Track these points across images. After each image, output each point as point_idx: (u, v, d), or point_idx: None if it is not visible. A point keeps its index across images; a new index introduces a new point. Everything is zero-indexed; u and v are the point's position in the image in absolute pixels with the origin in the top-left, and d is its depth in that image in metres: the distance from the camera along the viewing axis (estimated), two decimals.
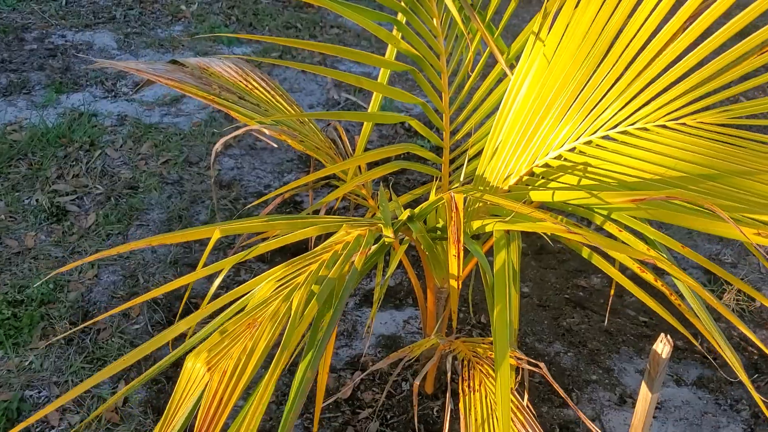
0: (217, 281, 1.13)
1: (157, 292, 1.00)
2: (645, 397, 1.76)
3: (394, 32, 1.46)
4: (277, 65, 4.13)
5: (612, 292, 2.05)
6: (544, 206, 1.54)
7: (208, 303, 1.00)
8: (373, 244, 1.25)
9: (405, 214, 1.13)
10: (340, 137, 1.75)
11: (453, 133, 1.65)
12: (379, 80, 1.49)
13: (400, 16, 1.46)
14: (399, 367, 1.50)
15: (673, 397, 2.21)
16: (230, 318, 0.96)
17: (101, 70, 3.89)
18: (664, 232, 1.74)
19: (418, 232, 1.10)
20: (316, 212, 1.91)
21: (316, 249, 1.05)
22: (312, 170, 1.74)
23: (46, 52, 4.09)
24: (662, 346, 1.70)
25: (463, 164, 1.64)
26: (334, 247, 1.04)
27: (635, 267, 1.29)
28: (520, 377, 1.70)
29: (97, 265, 2.58)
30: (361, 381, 2.23)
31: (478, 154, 1.60)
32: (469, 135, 1.82)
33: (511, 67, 1.50)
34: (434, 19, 1.48)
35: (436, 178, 1.58)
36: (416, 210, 1.17)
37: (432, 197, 1.30)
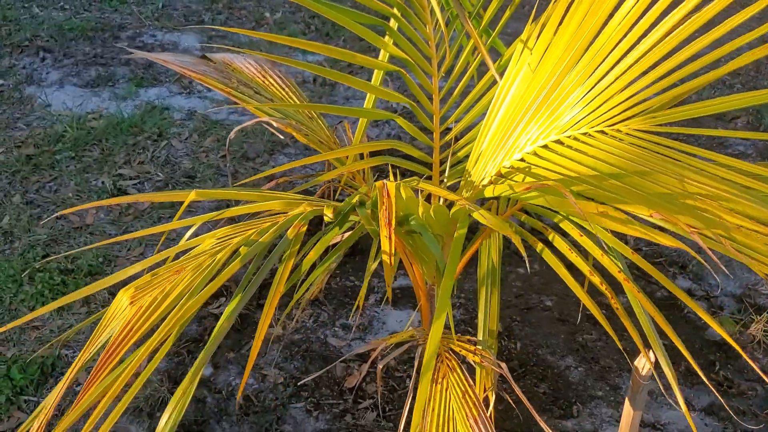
0: (189, 233, 1.27)
1: (141, 233, 1.13)
2: (628, 412, 1.77)
3: (386, 39, 1.56)
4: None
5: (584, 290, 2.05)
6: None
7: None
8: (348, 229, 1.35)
9: (355, 197, 1.22)
10: (346, 134, 1.86)
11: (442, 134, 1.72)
12: (372, 82, 1.59)
13: (392, 22, 1.56)
14: (374, 352, 1.58)
15: (678, 420, 2.18)
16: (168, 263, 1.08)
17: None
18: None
19: (363, 217, 1.19)
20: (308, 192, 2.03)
21: (262, 217, 1.17)
22: (326, 168, 1.87)
23: (135, 49, 4.43)
24: (643, 363, 1.71)
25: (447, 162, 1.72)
26: (279, 219, 1.15)
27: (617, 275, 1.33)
28: (491, 377, 1.75)
29: (145, 243, 2.79)
30: (367, 373, 2.32)
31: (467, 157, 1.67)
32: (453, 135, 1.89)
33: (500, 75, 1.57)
34: (427, 26, 1.58)
35: (424, 177, 1.66)
36: (372, 195, 1.26)
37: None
